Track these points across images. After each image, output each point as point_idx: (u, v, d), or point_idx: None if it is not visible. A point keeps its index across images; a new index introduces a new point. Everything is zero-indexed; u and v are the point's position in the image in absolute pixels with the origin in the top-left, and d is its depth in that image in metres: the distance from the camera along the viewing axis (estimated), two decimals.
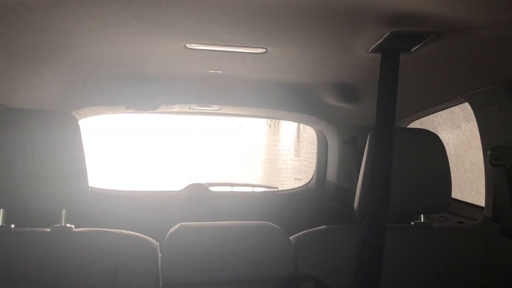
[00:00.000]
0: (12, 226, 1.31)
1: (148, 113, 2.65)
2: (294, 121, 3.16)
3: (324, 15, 1.20)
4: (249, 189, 3.58)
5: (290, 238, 1.45)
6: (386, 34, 1.31)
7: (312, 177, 3.09)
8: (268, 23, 1.29)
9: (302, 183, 3.19)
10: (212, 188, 3.00)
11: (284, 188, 3.35)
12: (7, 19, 1.22)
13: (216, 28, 1.34)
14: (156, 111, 2.44)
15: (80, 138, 1.31)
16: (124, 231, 1.35)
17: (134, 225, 1.68)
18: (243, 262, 1.37)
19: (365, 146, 1.50)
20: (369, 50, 1.46)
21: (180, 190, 2.91)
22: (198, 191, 2.88)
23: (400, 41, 1.35)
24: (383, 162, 1.39)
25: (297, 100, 2.44)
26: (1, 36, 1.33)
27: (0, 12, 1.16)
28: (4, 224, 1.30)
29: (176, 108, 2.55)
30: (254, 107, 2.52)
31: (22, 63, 1.60)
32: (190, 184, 2.93)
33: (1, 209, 1.30)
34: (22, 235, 1.29)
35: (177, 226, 1.41)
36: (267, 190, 3.51)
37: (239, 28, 1.33)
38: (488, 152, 1.67)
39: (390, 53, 1.41)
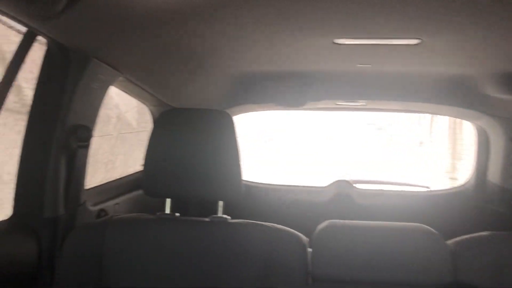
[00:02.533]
0: (177, 214, 1.45)
1: (295, 109, 2.70)
2: (450, 116, 2.91)
3: None
4: (398, 188, 3.40)
5: (447, 242, 1.34)
6: None
7: (470, 177, 2.82)
8: (423, 11, 1.19)
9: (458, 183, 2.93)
10: (358, 186, 2.94)
11: (438, 188, 3.11)
12: (170, 28, 1.35)
13: (366, 21, 1.30)
14: (302, 107, 2.48)
15: (235, 134, 1.38)
16: (275, 224, 1.39)
17: (280, 218, 1.72)
18: (394, 264, 1.31)
19: None
20: None
21: (326, 186, 2.91)
22: (343, 188, 2.83)
23: None
24: None
25: (455, 93, 2.24)
26: (165, 43, 1.48)
27: (164, 21, 1.29)
28: (170, 213, 1.44)
29: (322, 104, 2.55)
30: (405, 101, 2.39)
31: (183, 67, 1.75)
32: (336, 181, 2.90)
33: (168, 199, 1.44)
34: (186, 223, 1.41)
35: (326, 222, 1.40)
36: (418, 189, 3.29)
37: (390, 18, 1.27)
38: None
39: None
